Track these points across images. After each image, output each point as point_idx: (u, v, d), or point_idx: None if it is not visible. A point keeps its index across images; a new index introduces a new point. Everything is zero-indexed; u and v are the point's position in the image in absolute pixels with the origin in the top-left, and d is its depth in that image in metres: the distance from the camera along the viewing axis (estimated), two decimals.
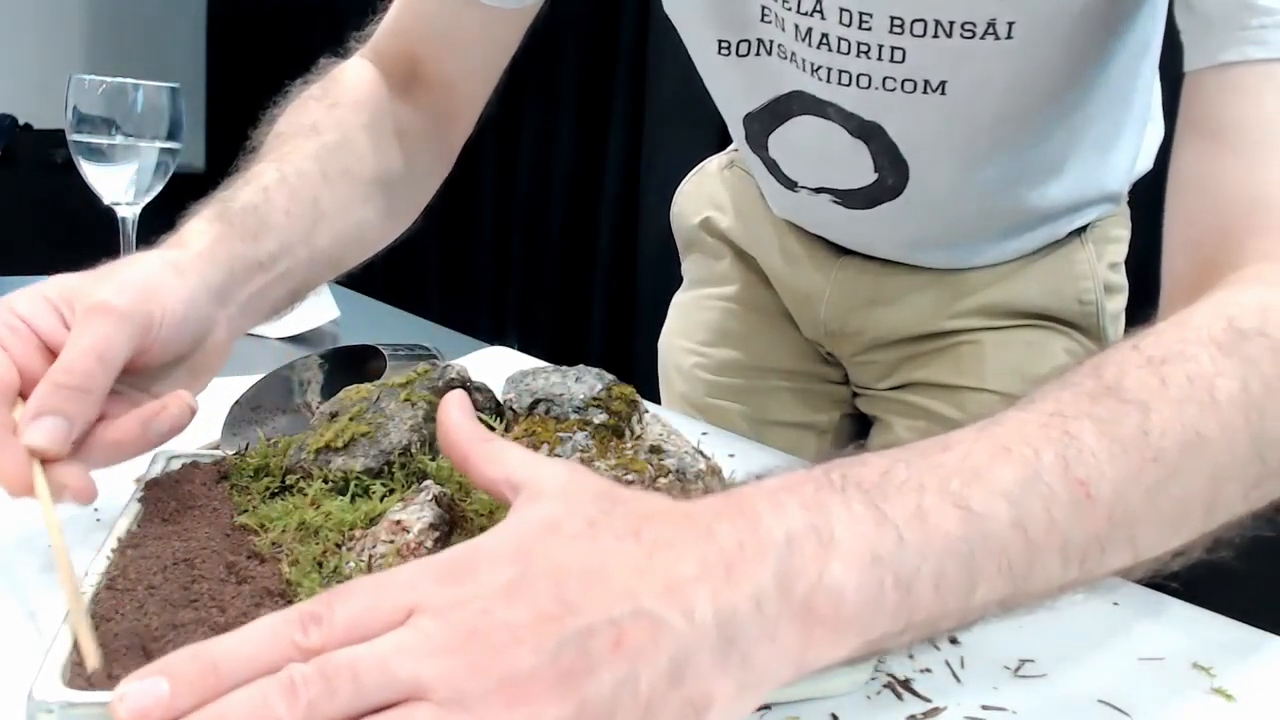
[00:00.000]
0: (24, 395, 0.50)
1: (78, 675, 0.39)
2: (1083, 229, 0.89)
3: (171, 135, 1.01)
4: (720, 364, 1.03)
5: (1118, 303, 0.94)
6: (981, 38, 0.68)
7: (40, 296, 0.53)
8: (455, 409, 0.43)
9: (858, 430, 1.04)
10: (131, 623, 0.42)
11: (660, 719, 0.33)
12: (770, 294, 1.01)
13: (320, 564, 0.48)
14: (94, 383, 0.50)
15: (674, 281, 1.12)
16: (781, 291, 0.99)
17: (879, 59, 0.71)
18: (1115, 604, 0.57)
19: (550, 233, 2.66)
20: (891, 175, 0.80)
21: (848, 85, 0.74)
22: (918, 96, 0.73)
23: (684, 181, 1.09)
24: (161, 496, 0.56)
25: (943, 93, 0.72)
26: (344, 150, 0.73)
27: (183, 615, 0.43)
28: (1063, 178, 0.83)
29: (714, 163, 1.07)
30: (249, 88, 4.13)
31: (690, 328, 1.06)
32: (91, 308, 0.51)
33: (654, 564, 0.35)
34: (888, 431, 0.97)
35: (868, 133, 0.77)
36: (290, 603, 0.45)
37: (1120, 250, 0.94)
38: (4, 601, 0.49)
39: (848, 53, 0.72)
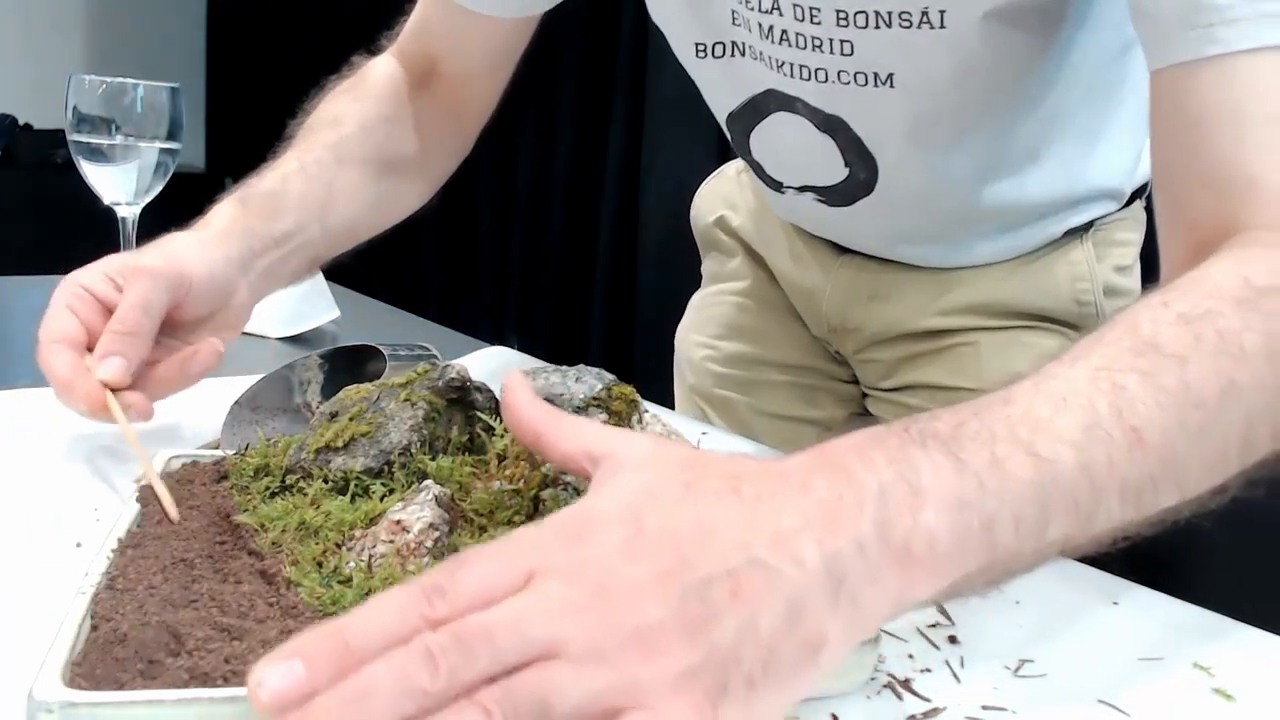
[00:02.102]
0: (90, 347, 0.65)
1: (78, 675, 0.39)
2: (1084, 230, 0.89)
3: (171, 135, 1.01)
4: (729, 357, 1.05)
5: (1123, 304, 0.93)
6: (918, 27, 0.70)
7: (99, 271, 0.68)
8: (520, 390, 0.45)
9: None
10: (132, 623, 0.42)
11: (781, 659, 0.35)
12: (779, 291, 1.02)
13: (320, 564, 0.48)
14: (141, 328, 0.65)
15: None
16: (787, 288, 1.01)
17: (830, 52, 0.74)
18: (1115, 604, 0.57)
19: (550, 233, 2.65)
20: (861, 170, 0.82)
21: (808, 80, 0.77)
22: (870, 90, 0.75)
23: (704, 184, 1.13)
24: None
25: (891, 85, 0.74)
26: (360, 139, 0.85)
27: (183, 615, 0.43)
28: (1041, 170, 0.83)
29: (732, 167, 1.10)
30: (249, 88, 4.14)
31: (703, 322, 1.09)
32: (135, 270, 0.67)
33: (758, 517, 0.37)
34: None
35: (833, 127, 0.80)
36: (290, 603, 0.45)
37: (1127, 254, 0.93)
38: (4, 601, 0.49)
39: (804, 47, 0.75)
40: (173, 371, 0.67)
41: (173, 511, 0.52)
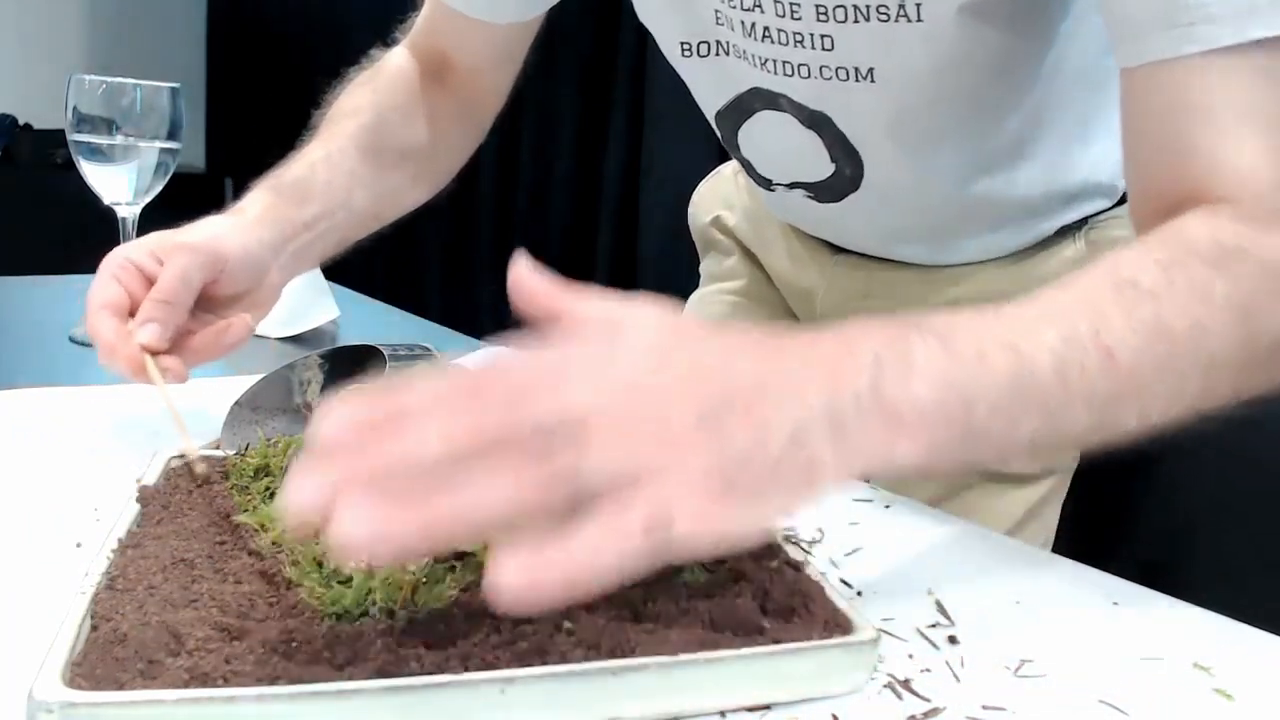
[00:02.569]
0: (132, 314, 0.70)
1: (78, 675, 0.39)
2: (1078, 227, 0.89)
3: (171, 135, 1.01)
4: None
5: None
6: (896, 20, 0.70)
7: (143, 245, 0.73)
8: (524, 266, 0.47)
9: None
10: (132, 623, 0.42)
11: (783, 474, 0.41)
12: (774, 291, 1.03)
13: (320, 564, 0.48)
14: (179, 298, 0.70)
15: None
16: (783, 288, 1.02)
17: (811, 48, 0.75)
18: (1115, 604, 0.57)
19: (550, 233, 2.65)
20: (847, 166, 0.83)
21: (791, 76, 0.77)
22: (851, 85, 0.75)
23: (701, 184, 1.14)
24: (161, 496, 0.56)
25: (871, 80, 0.75)
26: (378, 128, 0.89)
27: (183, 615, 0.43)
28: (1029, 165, 0.83)
29: (729, 167, 1.11)
30: (249, 88, 4.14)
31: (700, 320, 1.08)
32: (174, 245, 0.72)
33: (772, 363, 0.43)
34: None
35: (817, 123, 0.80)
36: (290, 603, 0.45)
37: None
38: (4, 601, 0.49)
39: (786, 44, 0.75)
40: (207, 342, 0.72)
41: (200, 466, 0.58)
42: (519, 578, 0.36)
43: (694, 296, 1.13)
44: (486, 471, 0.36)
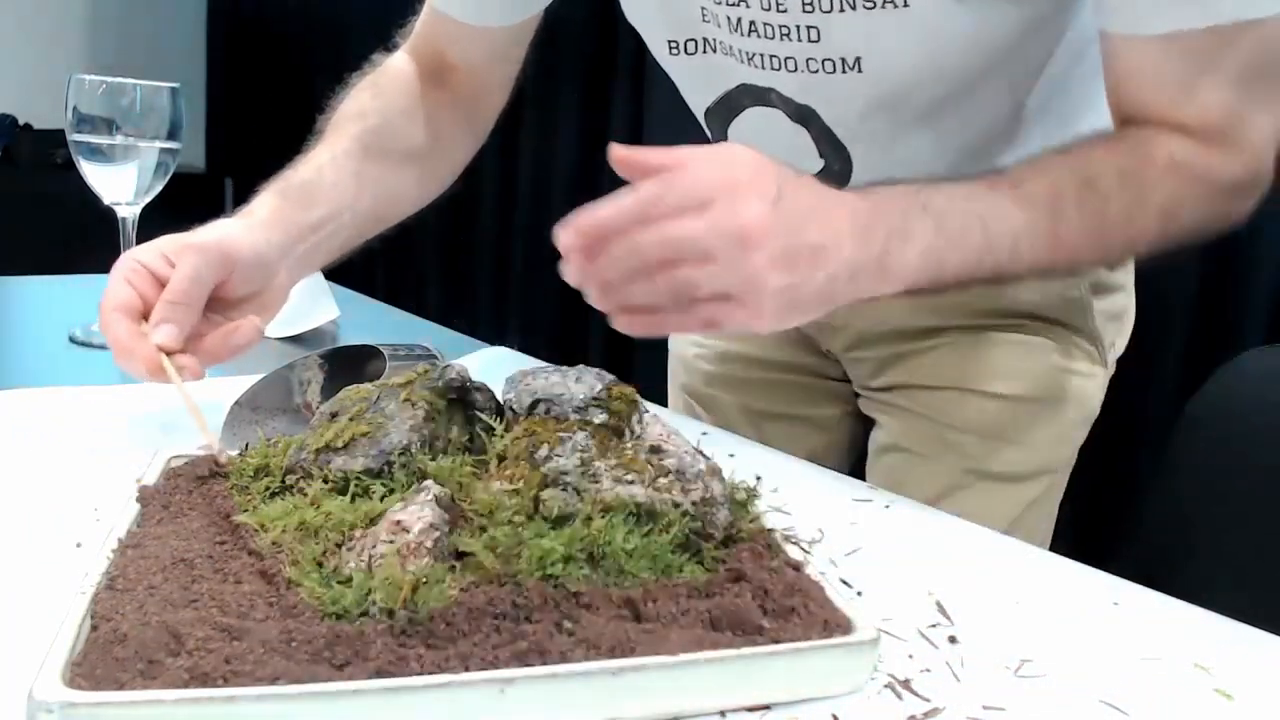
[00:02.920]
0: (145, 316, 0.71)
1: (78, 675, 0.39)
2: None
3: (171, 135, 1.01)
4: (719, 355, 1.06)
5: (1112, 302, 0.94)
6: (883, 8, 0.72)
7: (154, 248, 0.74)
8: (621, 149, 0.63)
9: (861, 430, 1.05)
10: (132, 623, 0.42)
11: (817, 300, 0.62)
12: None
13: (320, 564, 0.48)
14: (191, 298, 0.71)
15: None
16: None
17: (798, 40, 0.76)
18: (1115, 604, 0.57)
19: (550, 233, 2.65)
20: (835, 160, 0.83)
21: (779, 70, 0.79)
22: (838, 76, 0.77)
23: None
24: (161, 496, 0.56)
25: (859, 69, 0.76)
26: (382, 131, 0.91)
27: (183, 615, 0.43)
28: (1017, 159, 0.83)
29: None
30: (249, 88, 4.14)
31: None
32: (188, 247, 0.73)
33: (827, 225, 0.62)
34: (882, 433, 0.98)
35: (804, 116, 0.81)
36: (290, 603, 0.45)
37: None
38: (4, 601, 0.49)
39: (773, 37, 0.77)
40: (218, 343, 0.72)
41: (217, 448, 0.60)
42: (638, 327, 0.63)
43: None
44: (653, 273, 0.59)
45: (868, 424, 1.02)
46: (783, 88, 0.80)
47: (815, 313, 0.63)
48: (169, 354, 0.69)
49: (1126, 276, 0.96)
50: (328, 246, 0.85)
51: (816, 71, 0.77)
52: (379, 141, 0.90)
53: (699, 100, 0.88)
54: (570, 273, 0.62)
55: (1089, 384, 0.94)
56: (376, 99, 0.93)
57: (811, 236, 0.60)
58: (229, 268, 0.74)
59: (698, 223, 0.57)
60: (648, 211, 0.58)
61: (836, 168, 0.84)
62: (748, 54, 0.79)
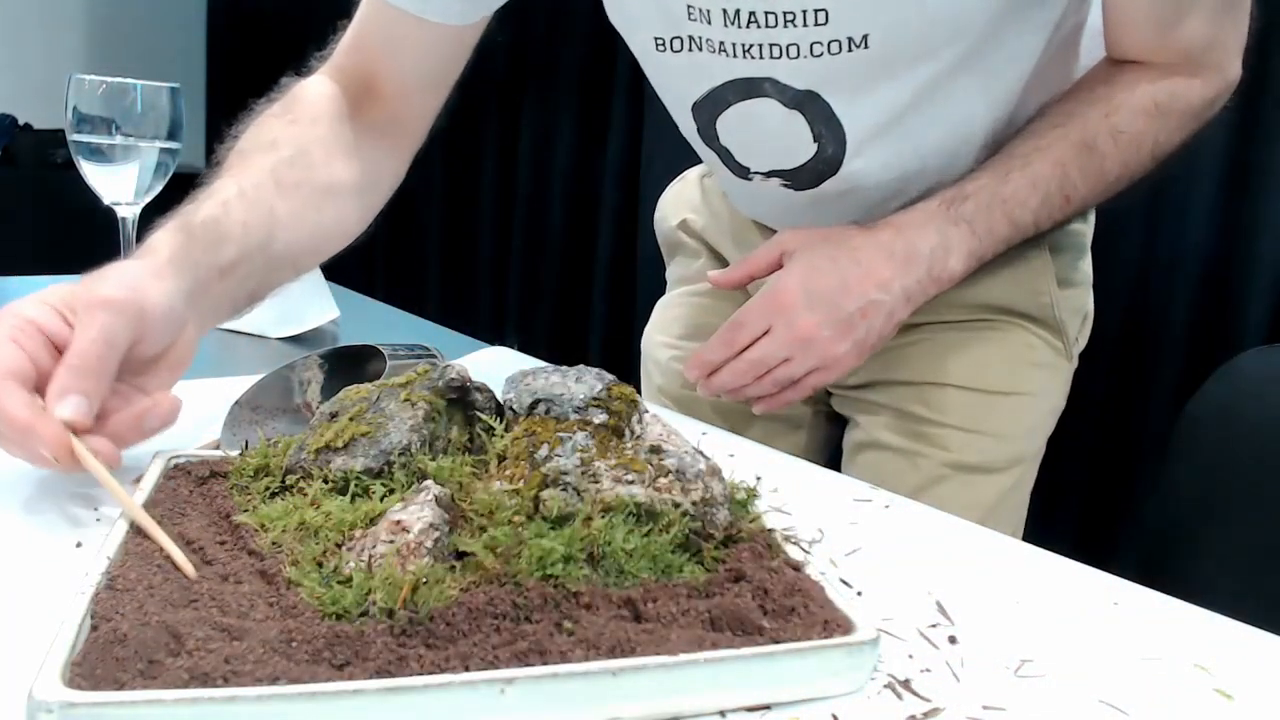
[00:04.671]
0: (39, 388, 0.57)
1: (78, 675, 0.39)
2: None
3: (171, 135, 1.01)
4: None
5: (1075, 297, 0.96)
6: None
7: (42, 302, 0.60)
8: (716, 276, 0.90)
9: (834, 428, 1.05)
10: (132, 623, 0.42)
11: (884, 333, 0.82)
12: (744, 291, 1.04)
13: (320, 564, 0.48)
14: (104, 365, 0.58)
15: None
16: (752, 287, 1.02)
17: (804, 25, 0.76)
18: (1115, 604, 0.57)
19: (550, 233, 2.65)
20: (831, 144, 0.84)
21: (779, 58, 0.79)
22: (844, 56, 0.77)
23: (666, 190, 1.16)
24: (161, 497, 0.56)
25: (866, 46, 0.77)
26: (298, 163, 0.79)
27: (183, 615, 0.43)
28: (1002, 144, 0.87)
29: (694, 172, 1.13)
30: (249, 88, 4.12)
31: (667, 323, 1.11)
32: (93, 302, 0.59)
33: (870, 272, 0.80)
34: (859, 431, 0.98)
35: (802, 102, 0.82)
36: (290, 603, 0.45)
37: (1078, 244, 0.97)
38: (4, 601, 0.49)
39: (775, 25, 0.77)
40: (126, 425, 0.60)
41: (188, 568, 0.48)
42: (771, 405, 0.86)
43: (661, 301, 1.14)
44: (760, 377, 0.84)
45: (841, 423, 1.03)
46: (781, 76, 0.81)
47: (891, 335, 0.83)
48: (77, 433, 0.56)
49: (1086, 272, 0.98)
50: (236, 295, 0.73)
51: (821, 55, 0.78)
52: (296, 175, 0.78)
53: (687, 93, 0.88)
54: (702, 390, 0.86)
55: (1057, 377, 0.97)
56: (292, 127, 0.82)
57: (852, 303, 0.79)
58: (143, 323, 0.60)
59: (770, 344, 0.81)
60: (732, 347, 0.83)
61: (830, 151, 0.85)
62: (743, 46, 0.79)
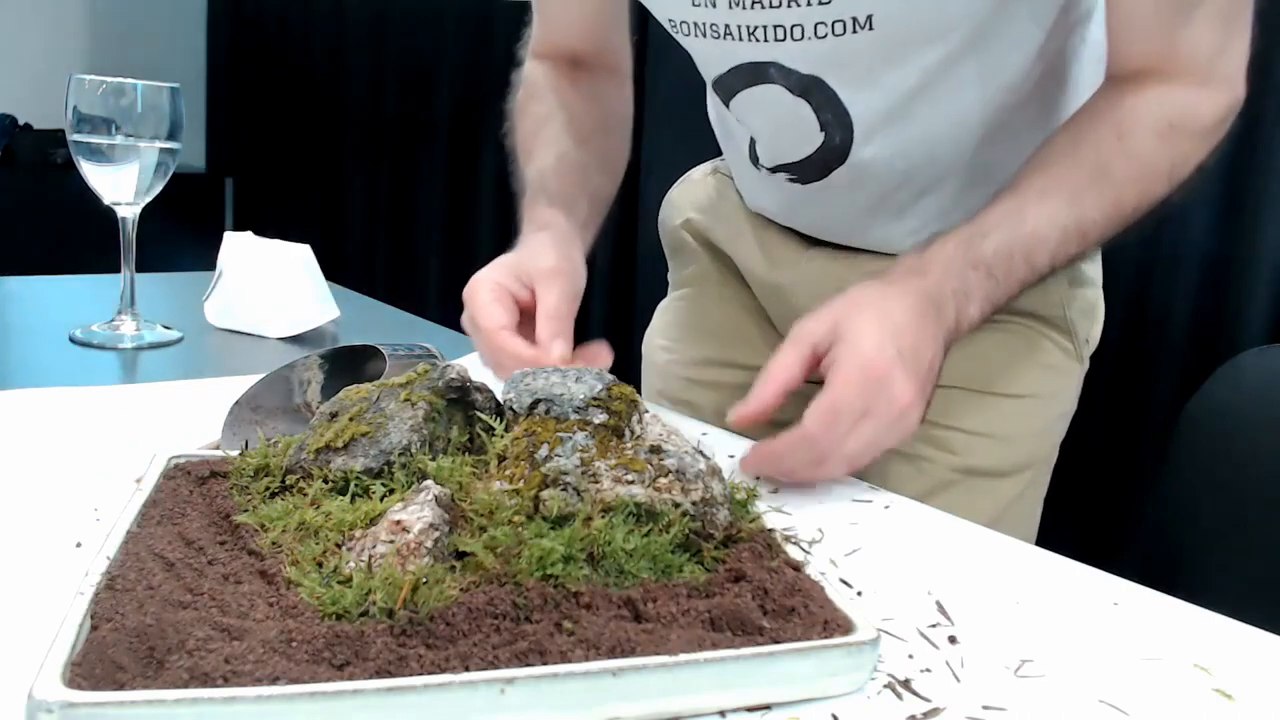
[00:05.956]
0: None
1: (78, 675, 0.39)
2: None
3: (171, 135, 1.01)
4: (694, 359, 1.07)
5: (1086, 297, 0.95)
6: None
7: (500, 272, 0.80)
8: (740, 413, 0.73)
9: None
10: (132, 623, 0.42)
11: (934, 383, 0.73)
12: (745, 291, 1.04)
13: (320, 564, 0.48)
14: (571, 316, 0.78)
15: None
16: (755, 286, 1.03)
17: (807, 5, 0.77)
18: (1115, 604, 0.57)
19: None
20: (838, 132, 0.84)
21: (783, 40, 0.79)
22: (848, 37, 0.77)
23: (671, 189, 1.15)
24: (161, 496, 0.56)
25: (870, 27, 0.77)
26: (573, 124, 0.96)
27: (183, 615, 0.43)
28: (1006, 135, 0.85)
29: (699, 171, 1.12)
30: (249, 88, 4.14)
31: (667, 326, 1.11)
32: (549, 272, 0.79)
33: (914, 364, 0.70)
34: None
35: (807, 87, 0.82)
36: (290, 603, 0.45)
37: None
38: (4, 601, 0.49)
39: (778, 6, 0.77)
40: (591, 359, 0.77)
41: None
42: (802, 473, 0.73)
43: (661, 304, 1.14)
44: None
45: None
46: (785, 59, 0.81)
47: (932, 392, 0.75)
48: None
49: (1096, 271, 0.97)
50: (586, 240, 0.89)
51: (825, 36, 0.78)
52: (578, 129, 0.95)
53: (707, 72, 0.90)
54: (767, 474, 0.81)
55: (1068, 380, 0.95)
56: (547, 102, 0.97)
57: (925, 358, 0.72)
58: (580, 283, 0.80)
59: (871, 431, 0.69)
60: (838, 445, 0.70)
61: (838, 140, 0.85)
62: (748, 28, 0.80)
